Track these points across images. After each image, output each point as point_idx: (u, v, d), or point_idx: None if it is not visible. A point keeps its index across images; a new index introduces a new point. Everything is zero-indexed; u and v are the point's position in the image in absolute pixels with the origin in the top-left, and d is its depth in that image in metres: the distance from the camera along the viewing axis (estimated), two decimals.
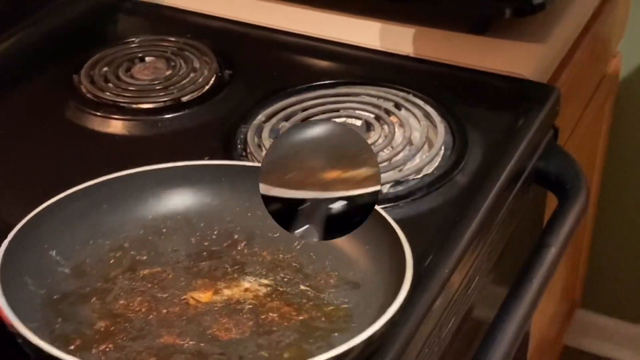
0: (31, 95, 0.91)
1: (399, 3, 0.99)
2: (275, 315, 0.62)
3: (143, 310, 0.63)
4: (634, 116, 1.51)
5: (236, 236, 0.70)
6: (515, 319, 0.74)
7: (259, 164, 0.71)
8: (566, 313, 1.62)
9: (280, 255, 0.68)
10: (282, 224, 0.64)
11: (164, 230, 0.70)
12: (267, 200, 0.64)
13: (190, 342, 0.60)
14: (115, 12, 1.07)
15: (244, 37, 1.00)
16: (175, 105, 0.88)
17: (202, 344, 0.60)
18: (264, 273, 0.66)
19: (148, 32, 1.01)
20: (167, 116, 0.87)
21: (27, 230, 0.64)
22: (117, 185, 0.70)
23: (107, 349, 0.59)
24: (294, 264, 0.67)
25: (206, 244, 0.69)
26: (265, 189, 0.64)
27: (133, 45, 0.98)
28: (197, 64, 0.94)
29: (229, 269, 0.67)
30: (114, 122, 0.87)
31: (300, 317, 0.62)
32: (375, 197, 0.64)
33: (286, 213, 0.64)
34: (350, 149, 0.64)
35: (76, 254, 0.67)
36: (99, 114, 0.87)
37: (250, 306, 0.63)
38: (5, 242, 0.62)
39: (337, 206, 0.63)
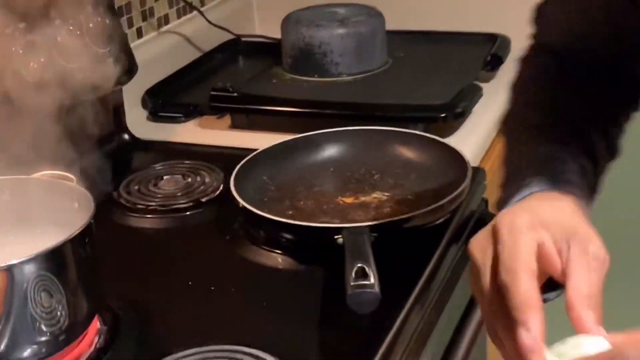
0: None
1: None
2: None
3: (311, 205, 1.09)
4: None
5: (373, 171, 1.16)
6: None
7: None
8: None
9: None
10: None
11: (331, 169, 1.17)
12: None
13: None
14: (134, 148, 1.36)
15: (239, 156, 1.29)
16: (196, 205, 1.16)
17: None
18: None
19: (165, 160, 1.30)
20: (188, 213, 1.15)
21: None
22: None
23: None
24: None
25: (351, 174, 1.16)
26: None
27: (157, 168, 1.26)
28: (207, 178, 1.22)
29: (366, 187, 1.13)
30: (149, 220, 1.14)
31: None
32: None
33: None
34: None
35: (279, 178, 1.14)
36: (136, 215, 1.14)
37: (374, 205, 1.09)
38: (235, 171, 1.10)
39: None
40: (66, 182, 0.91)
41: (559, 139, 0.83)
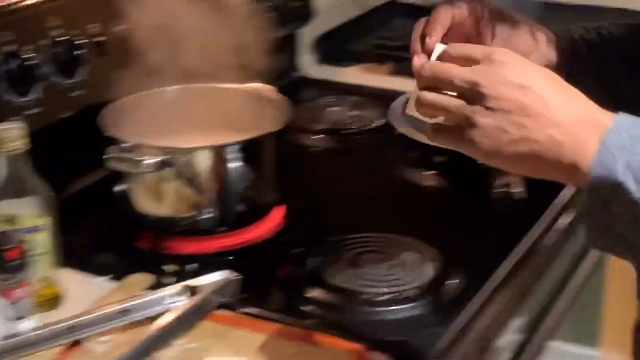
0: None
1: None
2: None
3: None
4: None
5: None
6: None
7: None
8: None
9: None
10: None
11: None
12: None
13: None
14: (304, 86, 1.54)
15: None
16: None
17: None
18: None
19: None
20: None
21: None
22: None
23: None
24: None
25: None
26: None
27: (327, 100, 1.45)
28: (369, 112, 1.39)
29: None
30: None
31: None
32: None
33: None
34: None
35: None
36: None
37: None
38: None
39: None
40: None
41: None
